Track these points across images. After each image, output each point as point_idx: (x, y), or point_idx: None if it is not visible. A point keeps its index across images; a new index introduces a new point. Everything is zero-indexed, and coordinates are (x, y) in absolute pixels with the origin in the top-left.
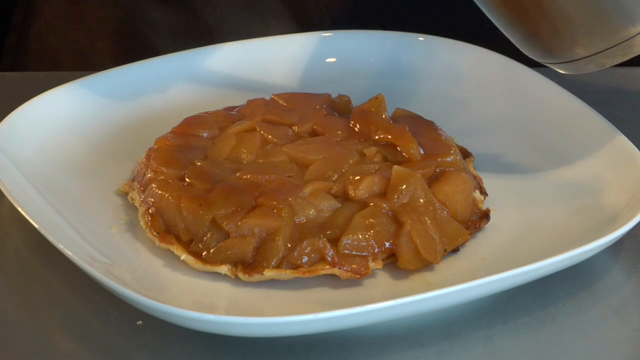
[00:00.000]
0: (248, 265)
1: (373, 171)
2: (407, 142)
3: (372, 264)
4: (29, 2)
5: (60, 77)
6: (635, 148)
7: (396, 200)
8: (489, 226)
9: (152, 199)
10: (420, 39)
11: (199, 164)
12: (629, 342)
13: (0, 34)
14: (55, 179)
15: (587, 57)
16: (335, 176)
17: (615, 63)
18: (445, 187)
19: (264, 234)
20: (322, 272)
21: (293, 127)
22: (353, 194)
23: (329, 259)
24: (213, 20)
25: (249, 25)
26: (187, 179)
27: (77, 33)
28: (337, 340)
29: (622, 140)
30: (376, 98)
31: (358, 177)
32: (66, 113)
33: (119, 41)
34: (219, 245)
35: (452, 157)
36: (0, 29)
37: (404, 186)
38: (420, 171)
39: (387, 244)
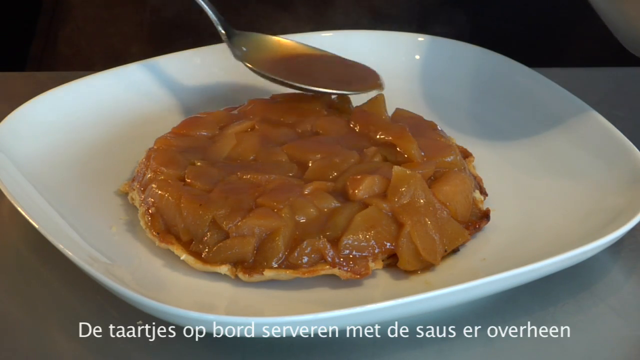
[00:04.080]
0: (248, 265)
1: (373, 171)
2: (407, 142)
3: (372, 264)
4: (55, 7)
5: (60, 77)
6: (636, 148)
7: (396, 200)
8: (489, 226)
9: (152, 199)
10: (420, 39)
11: (199, 164)
12: (629, 342)
13: (26, 40)
14: (55, 179)
15: None
16: (335, 176)
17: None
18: (445, 187)
19: (264, 234)
20: (322, 272)
21: (293, 127)
22: (353, 194)
23: (329, 259)
24: (249, 20)
25: (286, 24)
26: (187, 179)
27: (111, 37)
28: (337, 340)
29: (622, 141)
30: (376, 98)
31: (358, 177)
32: (66, 113)
33: (153, 45)
34: (219, 245)
35: (452, 157)
36: (25, 35)
37: (404, 187)
38: (420, 171)
39: (387, 245)
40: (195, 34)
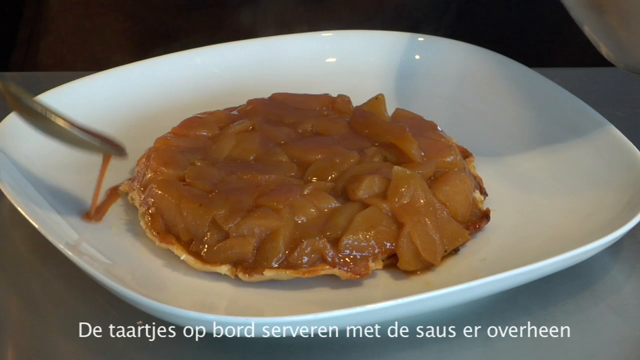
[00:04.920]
0: (248, 265)
1: (373, 171)
2: (407, 142)
3: (372, 264)
4: (36, 17)
5: (60, 77)
6: (635, 148)
7: (397, 200)
8: (489, 226)
9: (152, 199)
10: (420, 39)
11: (199, 164)
12: (629, 342)
13: (6, 50)
14: (55, 179)
15: None
16: (336, 176)
17: None
18: (445, 187)
19: (264, 234)
20: (322, 272)
21: (293, 127)
22: (353, 194)
23: (329, 259)
24: (233, 32)
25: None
26: (187, 179)
27: (93, 47)
28: (337, 340)
29: (622, 141)
30: (376, 98)
31: (358, 177)
32: (66, 113)
33: (135, 54)
34: (219, 245)
35: (452, 157)
36: (6, 45)
37: (405, 187)
38: (420, 171)
39: (387, 245)
40: (178, 42)
